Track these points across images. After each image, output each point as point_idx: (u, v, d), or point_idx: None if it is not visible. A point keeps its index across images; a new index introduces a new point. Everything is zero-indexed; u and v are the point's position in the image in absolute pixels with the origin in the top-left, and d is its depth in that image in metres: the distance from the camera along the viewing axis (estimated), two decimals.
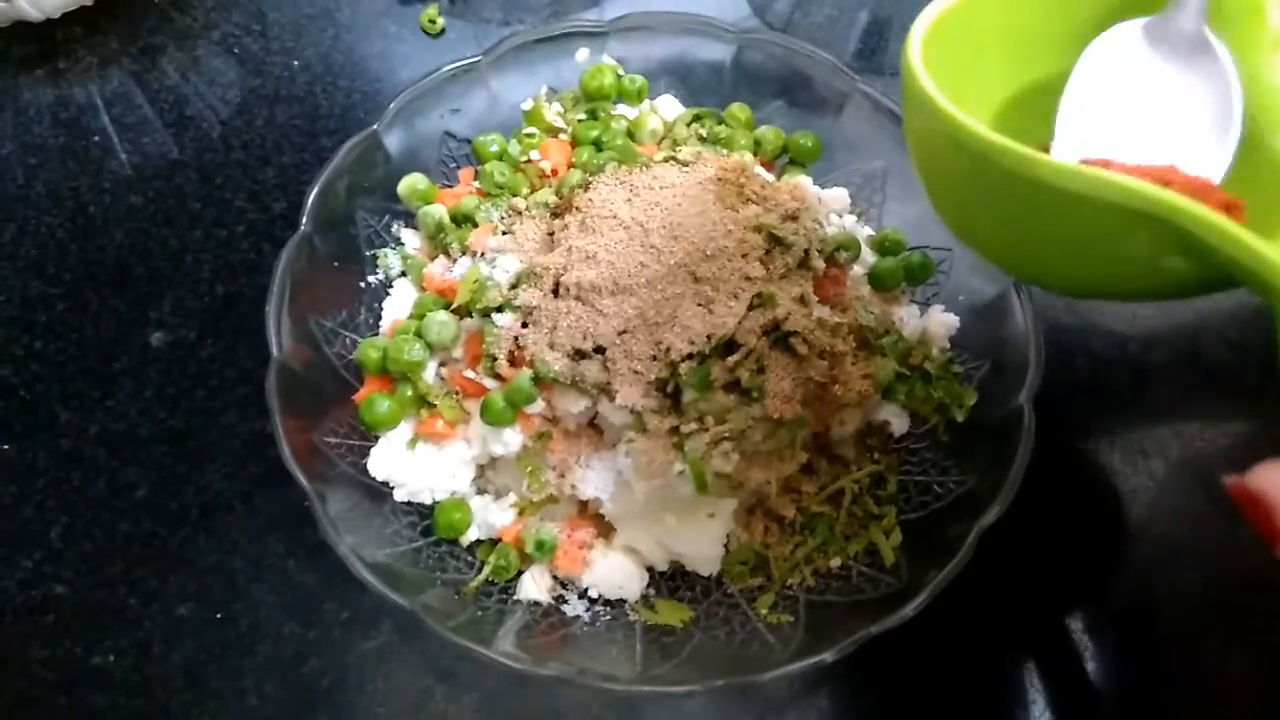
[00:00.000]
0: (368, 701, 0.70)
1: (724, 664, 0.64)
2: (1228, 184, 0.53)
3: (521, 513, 0.70)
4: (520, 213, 0.73)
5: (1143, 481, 0.79)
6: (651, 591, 0.70)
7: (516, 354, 0.67)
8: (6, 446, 0.78)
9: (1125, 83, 0.56)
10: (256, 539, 0.75)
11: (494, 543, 0.70)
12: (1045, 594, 0.75)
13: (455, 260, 0.74)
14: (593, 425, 0.69)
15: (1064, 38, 0.58)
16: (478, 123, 0.81)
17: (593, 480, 0.68)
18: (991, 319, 0.74)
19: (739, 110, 0.82)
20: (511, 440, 0.68)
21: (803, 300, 0.66)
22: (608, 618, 0.69)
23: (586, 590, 0.70)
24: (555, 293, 0.67)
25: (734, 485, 0.67)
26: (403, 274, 0.77)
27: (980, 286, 0.75)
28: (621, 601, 0.70)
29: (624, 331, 0.64)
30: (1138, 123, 0.56)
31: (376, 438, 0.70)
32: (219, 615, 0.73)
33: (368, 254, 0.77)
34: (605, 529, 0.70)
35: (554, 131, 0.81)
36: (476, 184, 0.79)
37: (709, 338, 0.63)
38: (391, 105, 0.76)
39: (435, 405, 0.69)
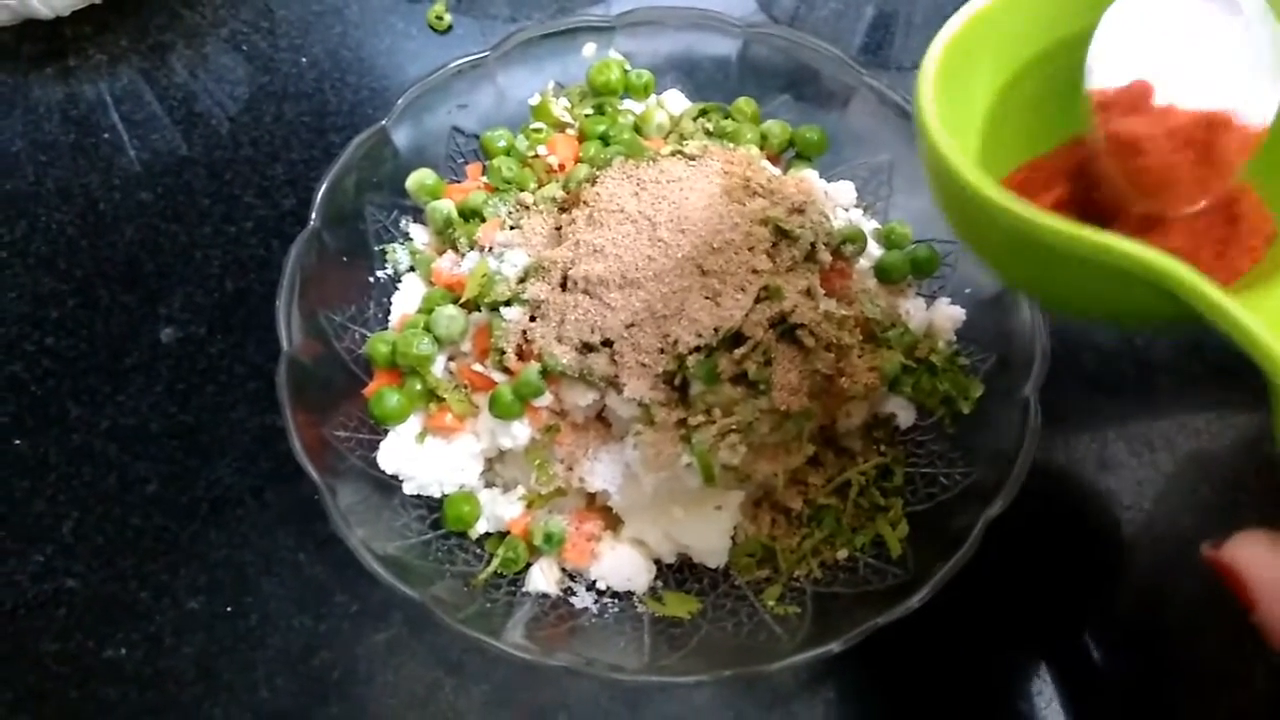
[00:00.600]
0: (378, 693, 0.71)
1: (731, 655, 0.64)
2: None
3: (530, 505, 0.70)
4: (528, 207, 0.73)
5: (1148, 473, 0.79)
6: (659, 583, 0.71)
7: (525, 347, 0.67)
8: (18, 442, 0.78)
9: (1166, 18, 0.53)
10: (267, 533, 0.76)
11: (503, 535, 0.71)
12: (1051, 585, 0.75)
13: (463, 255, 0.74)
14: (600, 418, 0.69)
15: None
16: (485, 118, 0.82)
17: (600, 473, 0.68)
18: (997, 312, 0.74)
19: (745, 104, 0.82)
20: (520, 433, 0.68)
21: (809, 293, 0.66)
22: (615, 609, 0.69)
23: (594, 582, 0.70)
24: (563, 286, 0.67)
25: (741, 477, 0.67)
26: (411, 269, 0.78)
27: (986, 280, 0.75)
28: (629, 593, 0.70)
29: (631, 324, 0.64)
30: (1180, 57, 0.53)
31: (386, 431, 0.71)
32: (230, 608, 0.73)
33: (376, 249, 0.78)
34: (613, 521, 0.71)
35: (561, 126, 0.81)
36: (484, 179, 0.79)
37: (716, 330, 0.63)
38: (399, 101, 0.77)
39: (444, 399, 0.70)
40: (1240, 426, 0.82)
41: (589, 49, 0.83)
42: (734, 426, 0.64)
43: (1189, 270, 0.42)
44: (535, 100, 0.82)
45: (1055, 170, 0.55)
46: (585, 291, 0.66)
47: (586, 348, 0.65)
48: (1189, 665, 0.73)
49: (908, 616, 0.62)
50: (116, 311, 0.84)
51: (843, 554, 0.70)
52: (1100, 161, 0.50)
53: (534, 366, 0.66)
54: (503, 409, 0.67)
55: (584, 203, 0.70)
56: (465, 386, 0.70)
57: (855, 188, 0.81)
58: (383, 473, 0.70)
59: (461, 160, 0.82)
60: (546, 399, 0.67)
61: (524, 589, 0.69)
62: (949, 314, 0.76)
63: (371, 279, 0.77)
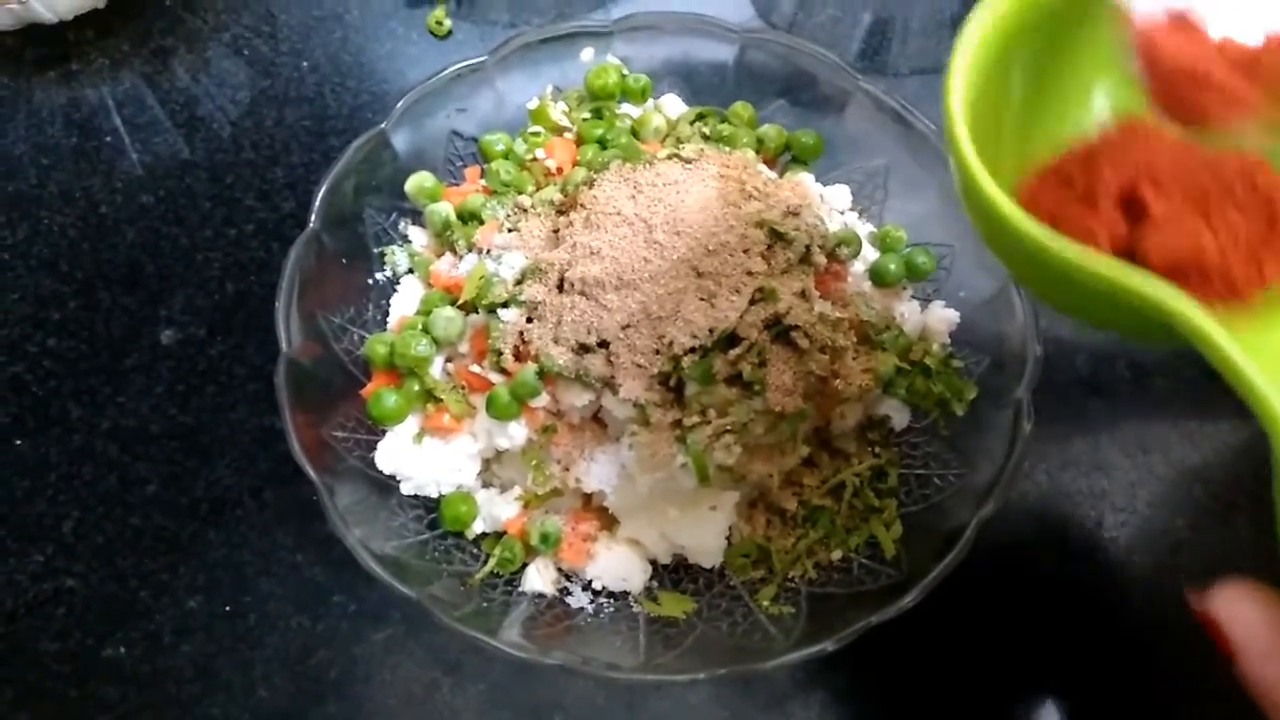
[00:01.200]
0: (375, 693, 0.71)
1: (726, 654, 0.64)
2: None
3: (526, 506, 0.70)
4: (526, 210, 0.74)
5: (1142, 476, 0.80)
6: (654, 584, 0.71)
7: (521, 349, 0.68)
8: (19, 442, 0.79)
9: None
10: (265, 533, 0.76)
11: (499, 535, 0.71)
12: (1044, 586, 0.76)
13: (461, 257, 0.75)
14: (596, 419, 0.70)
15: None
16: (484, 122, 0.82)
17: (596, 473, 0.69)
18: (992, 314, 0.74)
19: (742, 109, 0.83)
20: (516, 434, 0.68)
21: (804, 295, 0.67)
22: (611, 609, 0.70)
23: (590, 582, 0.70)
24: (560, 288, 0.67)
25: (736, 478, 0.68)
26: (410, 271, 0.78)
27: (980, 282, 0.75)
28: (625, 593, 0.70)
29: (627, 326, 0.65)
30: None
31: (384, 432, 0.71)
32: (228, 608, 0.74)
33: (375, 251, 0.78)
34: (609, 522, 0.71)
35: (559, 130, 0.82)
36: (483, 182, 0.80)
37: (711, 331, 0.64)
38: (399, 105, 0.77)
39: (442, 400, 0.70)
40: (1235, 430, 0.82)
41: (587, 54, 0.83)
42: (729, 427, 0.65)
43: (1199, 312, 0.41)
44: (533, 104, 0.82)
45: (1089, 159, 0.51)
46: (582, 293, 0.66)
47: (583, 349, 0.66)
48: (1183, 666, 0.74)
49: (903, 617, 0.62)
50: (117, 313, 0.84)
51: (837, 554, 0.71)
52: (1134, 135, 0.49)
53: (531, 367, 0.66)
54: (500, 410, 0.67)
55: (581, 205, 0.70)
56: (463, 387, 0.71)
57: (851, 191, 0.82)
58: (380, 473, 0.70)
59: (460, 163, 0.83)
60: (543, 400, 0.67)
61: (520, 589, 0.70)
62: (943, 317, 0.76)
63: (370, 281, 0.78)
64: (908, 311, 0.77)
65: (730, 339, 0.65)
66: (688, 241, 0.66)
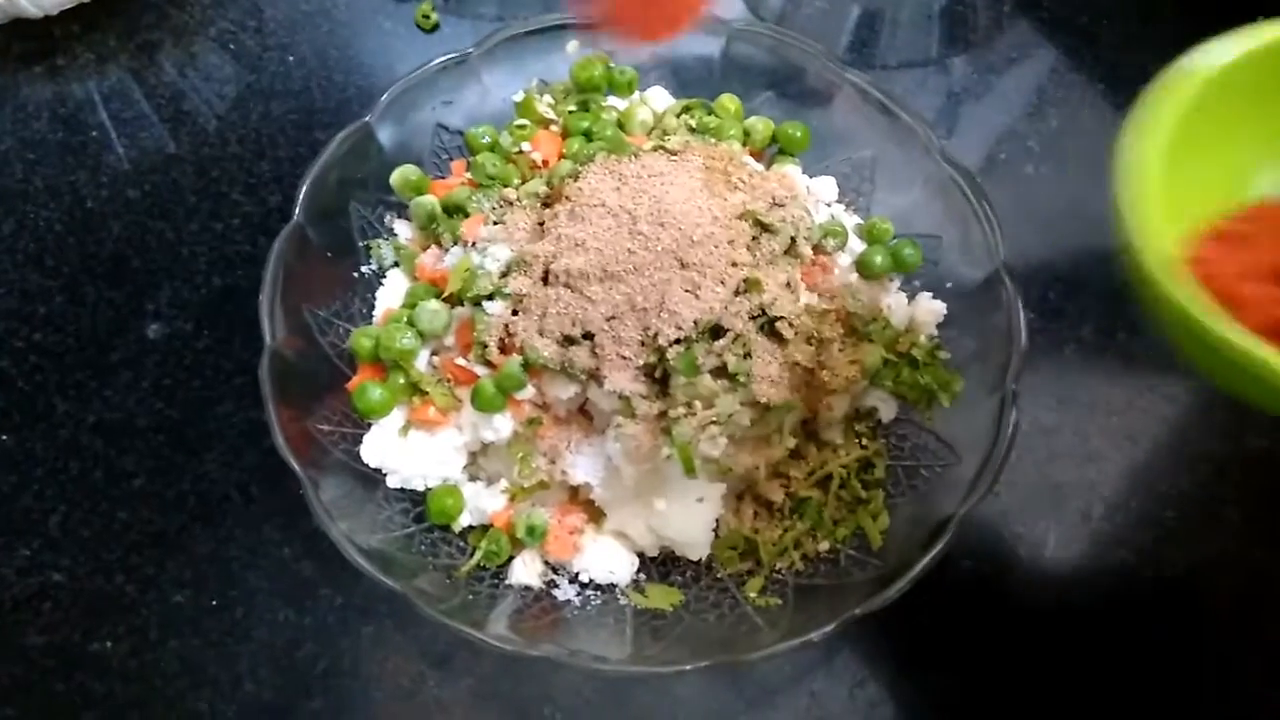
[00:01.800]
0: (363, 686, 0.71)
1: (713, 645, 0.64)
2: None
3: (512, 498, 0.70)
4: (511, 203, 0.74)
5: (1130, 466, 0.80)
6: (641, 576, 0.71)
7: (507, 341, 0.67)
8: (5, 437, 0.79)
9: None
10: (252, 527, 0.76)
11: (485, 528, 0.71)
12: (1031, 574, 0.76)
13: (447, 250, 0.75)
14: (582, 411, 0.70)
15: None
16: (470, 115, 0.82)
17: (583, 465, 0.69)
18: (978, 306, 0.74)
19: (728, 101, 0.83)
20: (502, 426, 0.68)
21: (790, 286, 0.67)
22: (599, 602, 0.70)
23: (577, 575, 0.70)
24: (545, 280, 0.67)
25: (723, 470, 0.68)
26: (395, 264, 0.78)
27: (967, 274, 0.75)
28: (612, 586, 0.70)
29: (612, 318, 0.65)
30: None
31: (369, 425, 0.71)
32: (215, 602, 0.73)
33: (361, 244, 0.78)
34: (596, 514, 0.71)
35: (545, 123, 0.82)
36: (468, 175, 0.79)
37: (696, 323, 0.64)
38: (384, 97, 0.77)
39: (427, 393, 0.70)
40: (1222, 421, 0.82)
41: (573, 46, 0.83)
42: (714, 419, 0.64)
43: None
44: (519, 97, 0.82)
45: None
46: (567, 285, 0.66)
47: (568, 341, 0.66)
48: (1171, 654, 0.74)
49: (891, 610, 0.62)
50: (103, 307, 0.84)
51: (824, 546, 0.71)
52: None
53: (516, 360, 0.66)
54: (485, 402, 0.67)
55: (566, 198, 0.70)
56: (448, 380, 0.70)
57: (838, 183, 0.82)
58: (366, 466, 0.70)
59: (446, 156, 0.83)
60: (529, 392, 0.67)
61: (507, 581, 0.70)
62: (930, 308, 0.76)
63: (356, 274, 0.78)
64: (895, 303, 0.77)
65: (716, 330, 0.65)
66: (672, 233, 0.66)
